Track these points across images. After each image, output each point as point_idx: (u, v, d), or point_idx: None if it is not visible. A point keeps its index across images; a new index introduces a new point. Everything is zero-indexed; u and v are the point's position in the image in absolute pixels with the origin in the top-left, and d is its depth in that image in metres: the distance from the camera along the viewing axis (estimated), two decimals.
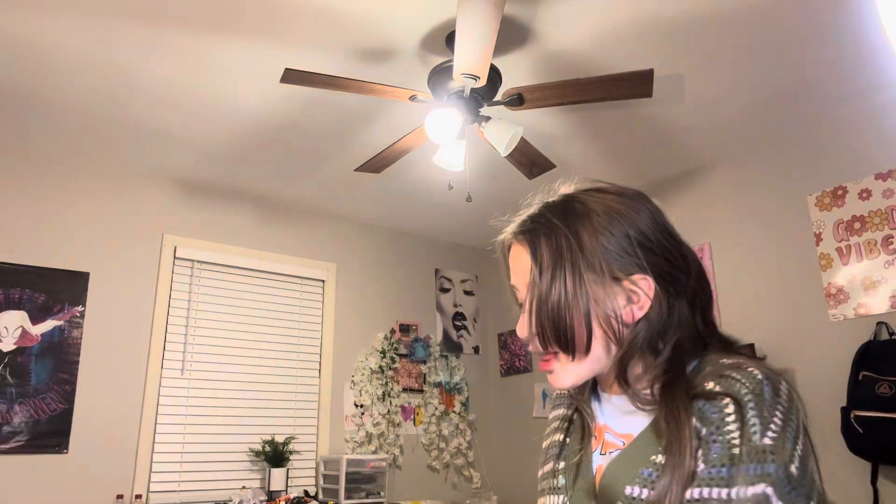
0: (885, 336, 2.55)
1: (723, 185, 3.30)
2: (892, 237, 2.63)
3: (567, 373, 0.77)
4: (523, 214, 0.82)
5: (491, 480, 4.22)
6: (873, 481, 2.43)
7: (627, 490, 0.69)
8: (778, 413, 0.64)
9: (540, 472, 0.87)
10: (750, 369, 0.67)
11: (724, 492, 0.62)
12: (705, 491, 0.63)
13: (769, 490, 0.60)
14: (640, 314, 0.74)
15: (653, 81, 2.18)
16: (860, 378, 2.48)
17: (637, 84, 2.20)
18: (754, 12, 2.17)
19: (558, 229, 0.76)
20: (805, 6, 2.14)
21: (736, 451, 0.63)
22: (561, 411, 0.90)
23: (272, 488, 3.23)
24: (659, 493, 0.66)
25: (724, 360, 0.71)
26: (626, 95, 2.25)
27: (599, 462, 0.76)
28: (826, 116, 2.86)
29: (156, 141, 3.06)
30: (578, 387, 0.84)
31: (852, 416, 2.41)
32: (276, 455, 3.32)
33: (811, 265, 2.86)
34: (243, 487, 3.26)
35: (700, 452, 0.65)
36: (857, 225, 2.74)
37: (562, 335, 0.74)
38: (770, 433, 0.62)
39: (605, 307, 0.73)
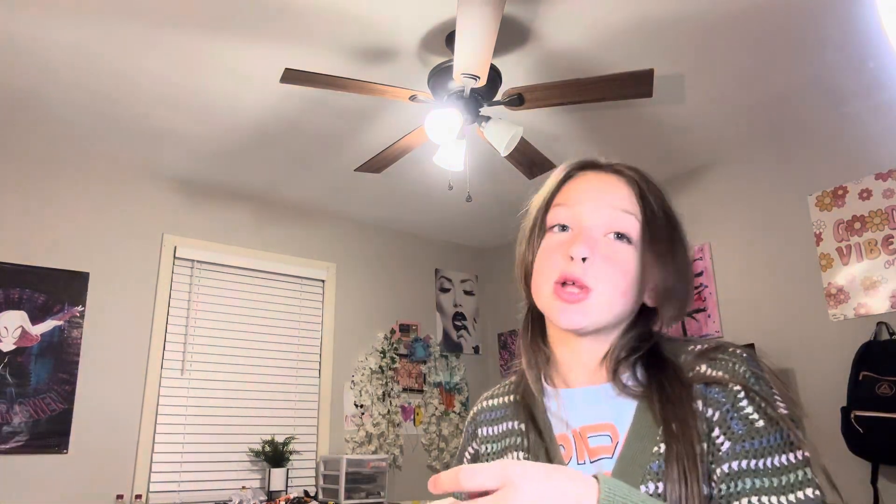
0: (885, 336, 2.55)
1: (723, 185, 3.30)
2: (893, 237, 2.62)
3: (593, 310, 0.71)
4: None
5: None
6: (873, 481, 2.43)
7: (642, 489, 0.67)
8: (772, 386, 0.68)
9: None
10: (731, 349, 0.71)
11: (759, 462, 0.63)
12: (737, 464, 0.64)
13: (808, 453, 0.63)
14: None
15: (653, 81, 2.18)
16: (860, 378, 2.48)
17: (637, 84, 2.20)
18: (754, 12, 2.17)
19: (664, 200, 0.77)
20: (805, 6, 2.14)
21: (758, 423, 0.65)
22: (506, 426, 0.82)
23: (272, 488, 3.23)
24: (675, 488, 0.64)
25: (694, 346, 0.73)
26: (626, 95, 2.25)
27: (593, 472, 0.69)
28: (826, 116, 2.86)
29: (156, 141, 3.06)
30: (524, 393, 0.81)
31: (852, 416, 2.41)
32: (276, 455, 3.32)
33: (811, 265, 2.86)
34: (243, 487, 3.26)
35: (718, 431, 0.66)
36: (857, 225, 2.74)
37: (663, 288, 0.74)
38: (779, 403, 0.66)
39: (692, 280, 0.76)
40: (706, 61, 2.46)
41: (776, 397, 0.67)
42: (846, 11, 2.16)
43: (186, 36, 2.28)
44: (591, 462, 0.72)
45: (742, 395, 0.67)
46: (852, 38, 2.30)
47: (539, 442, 0.76)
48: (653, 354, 0.74)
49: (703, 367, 0.70)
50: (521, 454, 0.78)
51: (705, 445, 0.66)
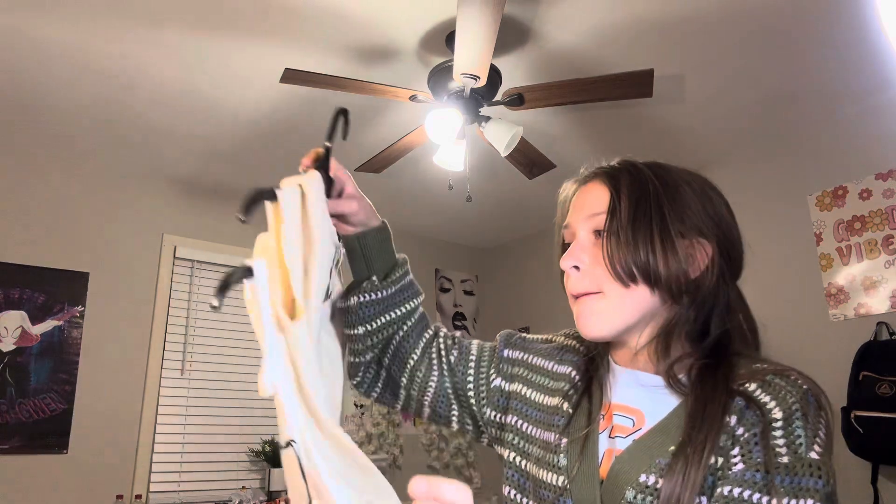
0: (885, 336, 2.55)
1: (723, 185, 3.27)
2: (893, 237, 2.62)
3: (604, 315, 0.74)
4: (622, 160, 0.83)
5: (491, 480, 4.22)
6: (873, 481, 2.43)
7: (642, 478, 0.67)
8: (821, 428, 0.64)
9: (538, 400, 0.83)
10: (794, 377, 0.67)
11: (763, 498, 0.61)
12: (740, 491, 0.62)
13: None
14: (692, 276, 0.74)
15: (653, 81, 2.18)
16: (860, 378, 2.48)
17: (637, 84, 2.20)
18: (754, 12, 2.17)
19: (643, 173, 0.78)
20: (805, 6, 2.14)
21: (782, 459, 0.62)
22: (569, 371, 0.84)
23: (272, 488, 3.23)
24: (668, 487, 0.65)
25: (762, 365, 0.71)
26: (626, 95, 2.25)
27: (607, 446, 0.73)
28: (826, 116, 2.86)
29: (156, 141, 3.06)
30: (596, 355, 0.82)
31: (852, 416, 2.41)
32: (276, 455, 3.32)
33: (811, 265, 2.86)
34: (243, 487, 3.26)
35: (738, 451, 0.64)
36: (857, 225, 2.74)
37: (631, 265, 0.72)
38: (817, 447, 0.62)
39: (673, 253, 0.74)
40: (706, 61, 2.46)
41: (817, 440, 0.63)
42: (846, 11, 2.16)
43: (186, 36, 2.28)
44: (609, 436, 0.74)
45: (779, 424, 0.64)
46: (852, 38, 2.30)
47: (587, 405, 0.78)
48: (714, 362, 0.73)
49: (753, 386, 0.68)
50: (565, 404, 0.80)
51: (720, 460, 0.65)
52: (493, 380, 0.89)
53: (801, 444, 0.62)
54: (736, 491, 0.62)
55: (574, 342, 0.89)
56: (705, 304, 0.75)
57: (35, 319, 2.99)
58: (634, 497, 0.66)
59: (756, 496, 0.61)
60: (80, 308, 3.10)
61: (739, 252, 0.79)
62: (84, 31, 2.24)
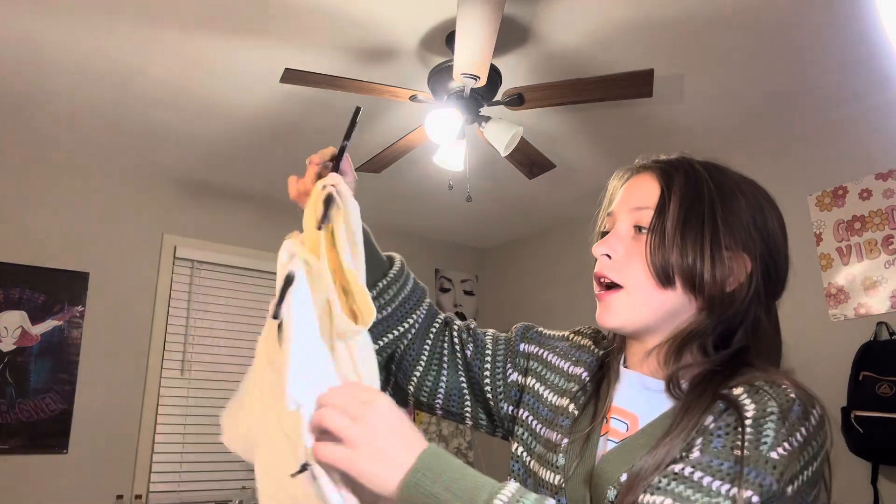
0: (885, 336, 2.55)
1: None
2: (893, 237, 2.62)
3: (627, 309, 0.74)
4: (679, 155, 0.81)
5: None
6: (873, 481, 2.43)
7: (623, 477, 0.67)
8: (798, 435, 0.62)
9: (549, 399, 0.83)
10: (784, 387, 0.65)
11: (706, 479, 0.60)
12: (689, 471, 0.61)
13: (755, 499, 0.57)
14: (727, 289, 0.73)
15: (653, 81, 2.18)
16: (860, 378, 2.48)
17: (637, 84, 2.20)
18: (754, 12, 2.17)
19: (700, 174, 0.76)
20: (805, 6, 2.14)
21: (737, 451, 0.61)
22: (580, 372, 0.83)
23: None
24: (634, 469, 0.65)
25: (760, 373, 0.70)
26: (626, 95, 2.25)
27: (602, 448, 0.74)
28: (826, 116, 2.86)
29: (156, 141, 3.06)
30: (610, 352, 0.82)
31: (852, 416, 2.41)
32: None
33: (811, 265, 2.86)
34: (243, 488, 3.26)
35: (699, 441, 0.64)
36: (857, 225, 2.74)
37: (672, 267, 0.71)
38: (781, 449, 0.60)
39: (720, 263, 0.72)
40: (706, 61, 2.46)
41: (785, 443, 0.60)
42: (846, 11, 2.16)
43: (186, 36, 2.28)
44: (606, 439, 0.74)
45: (749, 423, 0.62)
46: (852, 38, 2.30)
47: (592, 407, 0.78)
48: (717, 371, 0.72)
49: (739, 390, 0.67)
50: (572, 405, 0.80)
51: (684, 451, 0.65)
52: (510, 374, 0.89)
53: (765, 442, 0.60)
54: (683, 469, 0.62)
55: (589, 342, 0.89)
56: (734, 318, 0.74)
57: (35, 319, 2.99)
58: (616, 496, 0.67)
59: (698, 474, 0.60)
60: (80, 308, 3.10)
61: (782, 272, 0.77)
62: (84, 30, 2.24)
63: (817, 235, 2.86)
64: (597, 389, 0.80)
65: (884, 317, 2.59)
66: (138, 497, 3.01)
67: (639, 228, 0.75)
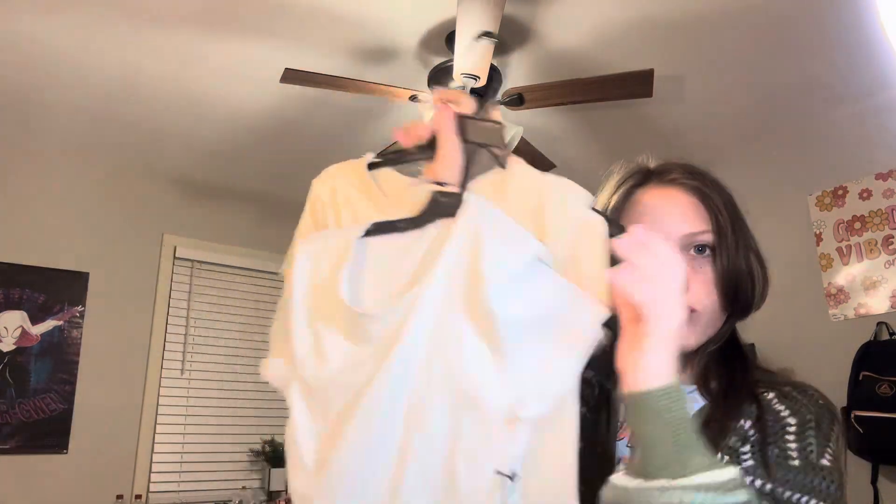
0: (885, 336, 2.55)
1: None
2: (893, 237, 2.62)
3: (698, 331, 0.73)
4: (678, 162, 0.83)
5: None
6: (873, 481, 2.43)
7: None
8: (833, 441, 0.66)
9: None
10: (811, 393, 0.70)
11: (768, 485, 0.62)
12: (746, 478, 0.63)
13: None
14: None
15: (653, 81, 2.18)
16: (860, 378, 2.48)
17: (637, 84, 2.20)
18: (754, 12, 2.17)
19: (724, 188, 0.79)
20: (805, 6, 2.14)
21: (793, 462, 0.63)
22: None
23: (272, 488, 3.23)
24: None
25: (781, 379, 0.72)
26: (626, 95, 2.25)
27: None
28: (826, 116, 2.86)
29: (156, 141, 3.06)
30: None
31: (852, 416, 2.41)
32: (276, 455, 3.32)
33: (811, 265, 2.86)
34: (243, 487, 3.26)
35: (748, 449, 0.65)
36: (857, 225, 2.74)
37: (737, 289, 0.73)
38: (828, 456, 0.64)
39: (762, 275, 0.75)
40: (706, 61, 2.46)
41: (828, 450, 0.64)
42: (846, 11, 2.16)
43: (186, 36, 2.28)
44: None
45: (793, 430, 0.65)
46: (852, 37, 2.30)
47: (605, 413, 0.77)
48: (737, 368, 0.74)
49: (771, 395, 0.69)
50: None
51: (726, 458, 0.66)
52: None
53: (811, 451, 0.64)
54: (754, 482, 0.63)
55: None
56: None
57: (35, 319, 2.98)
58: None
59: (759, 482, 0.62)
60: (80, 308, 3.10)
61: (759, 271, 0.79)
62: (84, 30, 2.24)
63: (817, 235, 2.86)
64: (609, 395, 0.80)
65: (884, 317, 2.59)
66: (138, 497, 3.01)
67: (700, 249, 0.74)
